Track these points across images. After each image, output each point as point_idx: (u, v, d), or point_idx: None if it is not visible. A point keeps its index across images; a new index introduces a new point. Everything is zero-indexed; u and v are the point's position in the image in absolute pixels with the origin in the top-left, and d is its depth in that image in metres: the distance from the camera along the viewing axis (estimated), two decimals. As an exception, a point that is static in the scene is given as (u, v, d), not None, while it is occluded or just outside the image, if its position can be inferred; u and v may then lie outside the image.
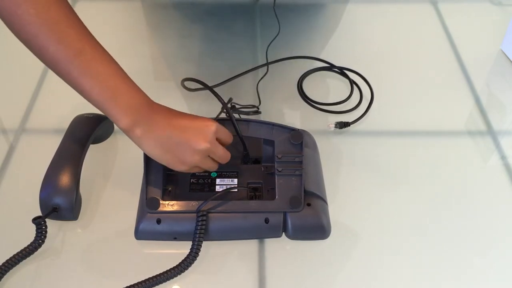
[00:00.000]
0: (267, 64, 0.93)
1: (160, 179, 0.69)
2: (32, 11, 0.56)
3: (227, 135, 0.68)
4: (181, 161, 0.65)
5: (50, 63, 0.59)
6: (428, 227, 0.72)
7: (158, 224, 0.67)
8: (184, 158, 0.64)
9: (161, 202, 0.68)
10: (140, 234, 0.69)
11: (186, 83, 0.75)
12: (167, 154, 0.64)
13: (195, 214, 0.67)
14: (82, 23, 0.60)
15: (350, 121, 0.84)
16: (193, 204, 0.68)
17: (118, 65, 0.62)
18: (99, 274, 0.67)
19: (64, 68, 0.58)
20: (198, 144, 0.64)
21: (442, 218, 0.73)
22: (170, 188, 0.70)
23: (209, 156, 0.66)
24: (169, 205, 0.68)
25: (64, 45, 0.57)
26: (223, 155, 0.68)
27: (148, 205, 0.68)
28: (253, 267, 0.67)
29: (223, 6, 1.09)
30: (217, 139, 0.67)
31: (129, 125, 0.61)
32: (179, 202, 0.68)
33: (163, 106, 0.65)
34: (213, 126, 0.65)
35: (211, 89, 0.73)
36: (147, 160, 0.68)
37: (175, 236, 0.68)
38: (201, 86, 0.74)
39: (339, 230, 0.71)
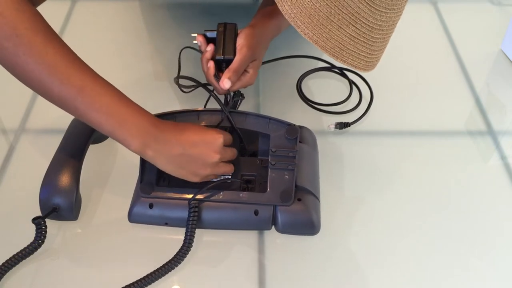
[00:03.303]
0: (267, 62, 0.94)
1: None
2: (30, 59, 0.59)
3: (230, 139, 0.70)
4: (194, 174, 0.67)
5: (58, 103, 0.62)
6: (427, 227, 0.72)
7: (150, 208, 0.69)
8: (196, 171, 0.67)
9: (155, 187, 0.70)
10: (133, 217, 0.71)
11: (180, 81, 0.76)
12: (180, 170, 0.66)
13: (186, 202, 0.68)
14: (79, 59, 0.63)
15: (349, 121, 0.84)
16: (185, 192, 0.69)
17: (120, 92, 0.64)
18: (99, 274, 0.67)
19: (71, 106, 0.62)
20: (209, 158, 0.66)
21: (442, 217, 0.73)
22: (165, 175, 0.71)
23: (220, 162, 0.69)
24: (162, 191, 0.70)
25: (66, 85, 0.61)
26: (232, 156, 0.70)
27: (142, 189, 0.69)
28: (252, 259, 0.68)
29: (223, 6, 1.09)
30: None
31: (140, 148, 0.64)
32: (172, 189, 0.70)
33: (169, 122, 0.67)
34: (221, 138, 0.67)
35: (203, 85, 0.75)
36: None
37: (166, 221, 0.70)
38: (194, 84, 0.75)
39: (334, 227, 0.71)
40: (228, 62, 0.73)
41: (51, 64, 0.60)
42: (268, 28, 0.78)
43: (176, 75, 0.77)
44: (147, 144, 0.64)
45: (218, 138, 0.67)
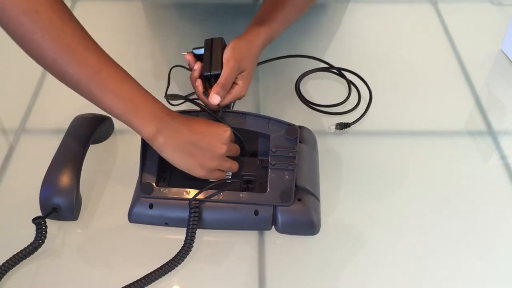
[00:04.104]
0: (265, 62, 0.94)
1: (156, 165, 0.71)
2: (47, 37, 0.59)
3: (233, 135, 0.71)
4: (200, 165, 0.67)
5: (72, 84, 0.62)
6: (427, 227, 0.72)
7: (150, 208, 0.69)
8: (203, 162, 0.67)
9: (155, 187, 0.70)
10: (133, 217, 0.71)
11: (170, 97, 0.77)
12: (188, 159, 0.66)
13: (186, 202, 0.68)
14: (95, 43, 0.63)
15: (349, 121, 0.84)
16: (185, 192, 0.69)
17: (134, 79, 0.65)
18: (99, 274, 0.67)
19: (86, 88, 0.62)
20: (218, 148, 0.67)
21: (441, 218, 0.73)
22: (165, 175, 0.72)
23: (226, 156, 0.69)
24: (163, 191, 0.70)
25: (83, 67, 0.61)
26: (236, 151, 0.72)
27: (142, 189, 0.69)
28: (252, 259, 0.68)
29: (223, 6, 1.09)
30: None
31: (152, 134, 0.64)
32: (172, 189, 0.70)
33: (180, 113, 0.68)
34: (229, 131, 0.68)
35: (191, 100, 0.74)
36: (144, 146, 0.69)
37: (166, 222, 0.70)
38: (182, 101, 0.75)
39: (334, 227, 0.71)
40: (217, 77, 0.73)
41: (69, 43, 0.60)
42: (257, 37, 0.77)
43: (176, 75, 0.77)
44: (159, 130, 0.64)
45: (226, 131, 0.68)
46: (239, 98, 0.77)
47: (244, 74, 0.76)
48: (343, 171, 0.79)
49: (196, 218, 0.67)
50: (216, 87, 0.72)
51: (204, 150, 0.66)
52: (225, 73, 0.73)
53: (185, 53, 0.76)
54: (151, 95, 0.66)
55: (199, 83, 0.74)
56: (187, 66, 0.78)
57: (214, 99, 0.72)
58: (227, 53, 0.74)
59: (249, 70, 0.76)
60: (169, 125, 0.65)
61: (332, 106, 0.88)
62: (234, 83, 0.75)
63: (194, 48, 0.76)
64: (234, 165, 0.71)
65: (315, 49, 0.98)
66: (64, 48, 0.60)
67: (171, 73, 0.79)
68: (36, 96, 0.90)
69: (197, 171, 0.67)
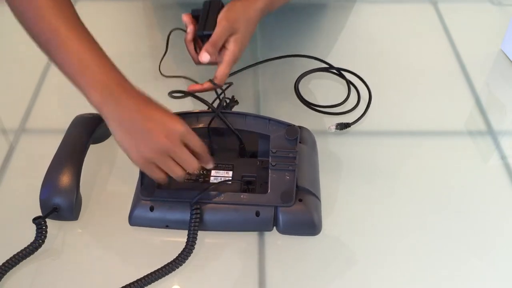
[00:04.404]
0: (264, 61, 0.94)
1: None
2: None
3: (196, 143, 0.65)
4: (137, 148, 0.62)
5: (37, 43, 0.65)
6: (427, 227, 0.72)
7: (151, 211, 0.69)
8: (140, 147, 0.62)
9: (155, 190, 0.69)
10: (134, 220, 0.70)
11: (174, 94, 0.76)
12: (126, 137, 0.63)
13: (187, 204, 0.68)
14: (68, 8, 0.65)
15: (349, 122, 0.84)
16: (186, 194, 0.69)
17: (98, 46, 0.64)
18: (99, 274, 0.67)
19: (44, 46, 0.64)
20: (157, 138, 0.61)
21: (441, 218, 0.73)
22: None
23: (172, 158, 0.63)
24: (163, 194, 0.69)
25: (42, 25, 0.63)
26: (188, 160, 0.64)
27: (142, 192, 0.69)
28: (252, 261, 0.68)
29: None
30: (186, 145, 0.64)
31: (98, 101, 0.62)
32: (172, 191, 0.69)
33: (140, 92, 0.64)
34: (180, 129, 0.62)
35: (195, 96, 0.74)
36: None
37: (167, 224, 0.70)
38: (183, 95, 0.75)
39: (335, 227, 0.71)
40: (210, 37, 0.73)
41: (40, 5, 0.63)
42: (255, 0, 0.75)
43: (177, 74, 0.77)
44: (105, 100, 0.62)
45: (176, 127, 0.62)
46: (232, 65, 0.75)
47: (237, 37, 0.73)
48: (343, 171, 0.79)
49: (197, 219, 0.67)
50: (206, 45, 0.72)
51: (142, 134, 0.61)
52: (216, 31, 0.72)
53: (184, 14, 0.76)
54: (110, 63, 0.63)
55: (191, 45, 0.74)
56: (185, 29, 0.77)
57: (204, 57, 0.71)
58: (221, 14, 0.73)
59: (243, 32, 0.74)
60: (116, 97, 0.62)
61: (332, 106, 0.88)
62: (225, 47, 0.73)
63: (193, 10, 0.76)
64: (179, 172, 0.64)
65: (314, 49, 0.98)
66: (30, 7, 0.63)
67: (170, 36, 0.78)
68: (36, 96, 0.90)
69: (133, 155, 0.63)
